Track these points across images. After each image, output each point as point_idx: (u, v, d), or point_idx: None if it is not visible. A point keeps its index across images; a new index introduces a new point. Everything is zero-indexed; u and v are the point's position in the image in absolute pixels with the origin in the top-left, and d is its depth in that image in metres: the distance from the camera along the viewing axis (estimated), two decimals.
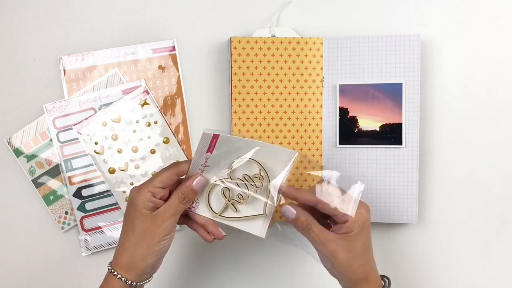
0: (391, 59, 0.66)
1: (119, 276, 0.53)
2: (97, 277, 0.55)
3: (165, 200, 0.54)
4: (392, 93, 0.66)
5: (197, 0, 0.68)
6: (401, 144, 0.66)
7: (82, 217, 0.67)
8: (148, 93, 0.66)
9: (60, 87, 0.67)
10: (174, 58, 0.68)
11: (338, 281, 0.57)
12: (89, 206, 0.67)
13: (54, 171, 0.67)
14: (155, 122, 0.66)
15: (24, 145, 0.67)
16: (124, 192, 0.67)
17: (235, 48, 0.65)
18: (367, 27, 0.69)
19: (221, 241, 0.57)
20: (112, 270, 0.53)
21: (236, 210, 0.56)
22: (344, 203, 0.53)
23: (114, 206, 0.67)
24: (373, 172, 0.67)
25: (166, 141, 0.67)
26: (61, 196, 0.67)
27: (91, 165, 0.67)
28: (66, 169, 0.66)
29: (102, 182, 0.67)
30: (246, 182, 0.56)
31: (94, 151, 0.66)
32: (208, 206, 0.56)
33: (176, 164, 0.56)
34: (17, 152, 0.67)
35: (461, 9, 0.68)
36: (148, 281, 0.55)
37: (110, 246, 0.67)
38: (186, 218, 0.58)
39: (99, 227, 0.67)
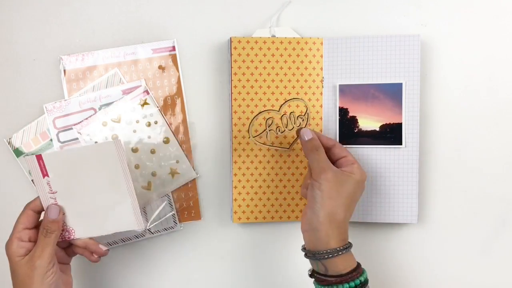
0: (391, 59, 0.66)
1: None
2: (96, 272, 0.54)
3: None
4: (392, 93, 0.66)
5: (197, 0, 0.68)
6: (401, 144, 0.66)
7: None
8: (148, 93, 0.65)
9: (60, 87, 0.67)
10: (174, 58, 0.68)
11: (303, 232, 0.58)
12: None
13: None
14: (155, 122, 0.66)
15: (24, 145, 0.67)
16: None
17: (235, 48, 0.65)
18: (367, 27, 0.69)
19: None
20: None
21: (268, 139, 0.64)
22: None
23: None
24: (373, 172, 0.66)
25: (166, 141, 0.67)
26: None
27: None
28: None
29: None
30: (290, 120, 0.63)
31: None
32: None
33: (29, 202, 0.56)
34: (17, 152, 0.67)
35: (461, 9, 0.69)
36: None
37: (111, 246, 0.67)
38: (68, 247, 0.59)
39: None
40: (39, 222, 0.56)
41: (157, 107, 0.66)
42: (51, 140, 0.67)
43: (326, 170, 0.57)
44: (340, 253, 0.55)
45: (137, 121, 0.66)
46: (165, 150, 0.67)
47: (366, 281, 0.56)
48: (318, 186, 0.56)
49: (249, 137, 0.66)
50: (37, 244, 0.54)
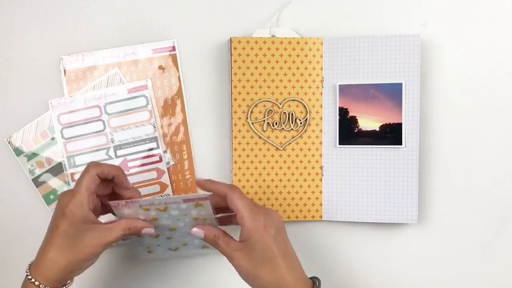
0: (391, 59, 0.66)
1: (36, 283, 0.52)
2: (97, 274, 0.54)
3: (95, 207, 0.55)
4: (392, 93, 0.66)
5: (197, 0, 0.68)
6: (401, 144, 0.66)
7: None
8: (208, 199, 0.56)
9: (60, 87, 0.67)
10: (174, 58, 0.68)
11: None
12: None
13: (55, 170, 0.67)
14: (204, 219, 0.58)
15: (24, 144, 0.67)
16: (148, 247, 0.63)
17: (235, 48, 0.65)
18: (367, 27, 0.69)
19: None
20: (29, 275, 0.52)
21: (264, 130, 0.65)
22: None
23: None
24: (373, 172, 0.67)
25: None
26: None
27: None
28: (69, 166, 0.66)
29: None
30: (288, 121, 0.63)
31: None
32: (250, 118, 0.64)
33: (94, 164, 0.55)
34: (17, 151, 0.67)
35: (461, 9, 0.68)
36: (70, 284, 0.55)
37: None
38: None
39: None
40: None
41: (212, 209, 0.57)
42: (51, 139, 0.67)
43: (232, 257, 0.55)
44: None
45: (184, 214, 0.57)
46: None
47: None
48: (239, 270, 0.55)
49: (246, 119, 0.66)
50: (111, 230, 0.54)
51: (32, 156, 0.67)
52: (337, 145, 0.67)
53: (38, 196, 0.67)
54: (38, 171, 0.67)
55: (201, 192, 0.56)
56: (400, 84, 0.65)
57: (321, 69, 0.67)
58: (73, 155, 0.66)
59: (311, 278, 0.56)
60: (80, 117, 0.66)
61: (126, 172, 0.62)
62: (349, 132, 0.67)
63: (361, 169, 0.67)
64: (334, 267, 0.70)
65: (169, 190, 0.67)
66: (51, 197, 0.67)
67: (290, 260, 0.55)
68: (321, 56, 0.67)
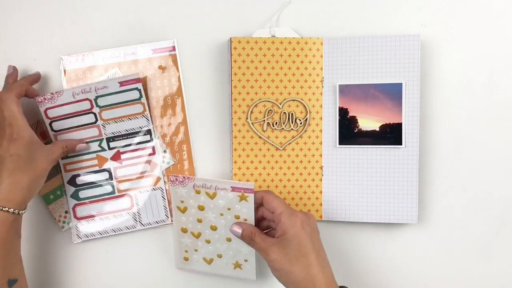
0: (391, 59, 0.66)
1: (5, 209, 0.56)
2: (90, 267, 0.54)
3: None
4: (392, 93, 0.66)
5: (197, 0, 0.68)
6: (401, 144, 0.66)
7: (75, 205, 0.67)
8: (252, 192, 0.60)
9: (60, 87, 0.67)
10: (174, 58, 0.68)
11: None
12: (82, 194, 0.67)
13: (54, 170, 0.67)
14: (245, 220, 0.62)
15: None
16: (186, 251, 0.66)
17: (235, 48, 0.65)
18: (367, 27, 0.69)
19: None
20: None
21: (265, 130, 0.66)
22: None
23: (108, 196, 0.67)
24: (373, 172, 0.67)
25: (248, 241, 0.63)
26: (61, 196, 0.67)
27: (86, 153, 0.66)
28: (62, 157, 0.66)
29: (97, 171, 0.67)
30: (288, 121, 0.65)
31: (177, 207, 0.64)
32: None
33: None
34: None
35: (461, 9, 0.69)
36: (24, 212, 0.58)
37: (101, 236, 0.67)
38: None
39: (92, 216, 0.67)
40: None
41: (254, 208, 0.61)
42: (52, 139, 0.67)
43: (267, 252, 0.57)
44: None
45: (228, 208, 0.61)
46: (239, 246, 0.64)
47: None
48: (272, 267, 0.57)
49: (246, 119, 0.66)
50: (52, 147, 0.62)
51: None
52: (337, 145, 0.67)
53: (38, 196, 0.67)
54: None
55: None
56: (400, 84, 0.66)
57: (321, 69, 0.67)
58: None
59: (340, 286, 0.58)
60: (69, 110, 0.65)
61: (119, 164, 0.67)
62: (349, 132, 0.67)
63: (361, 169, 0.67)
64: (334, 267, 0.70)
65: (161, 184, 0.67)
66: (51, 197, 0.67)
67: (323, 261, 0.57)
68: (321, 56, 0.67)
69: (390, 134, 0.66)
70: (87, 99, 0.65)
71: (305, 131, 0.67)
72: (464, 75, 0.69)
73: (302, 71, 0.67)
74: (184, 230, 0.65)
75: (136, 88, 0.66)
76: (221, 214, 0.62)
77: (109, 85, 0.65)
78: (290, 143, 0.67)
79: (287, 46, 0.66)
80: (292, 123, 0.67)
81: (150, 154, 0.67)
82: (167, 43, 0.68)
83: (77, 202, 0.67)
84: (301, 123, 0.67)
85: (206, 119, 0.69)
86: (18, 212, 0.56)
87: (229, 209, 0.61)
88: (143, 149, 0.67)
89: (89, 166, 0.67)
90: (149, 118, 0.66)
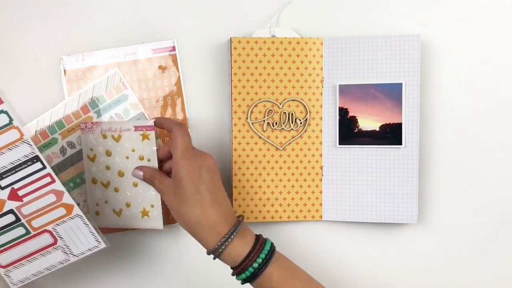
0: (391, 59, 0.66)
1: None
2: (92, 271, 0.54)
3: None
4: (392, 93, 0.66)
5: (197, 0, 0.68)
6: (401, 144, 0.66)
7: None
8: (153, 129, 0.62)
9: (60, 87, 0.67)
10: (174, 58, 0.68)
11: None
12: None
13: (54, 171, 0.67)
14: (148, 160, 0.63)
15: None
16: (97, 204, 0.66)
17: (235, 48, 0.65)
18: (367, 27, 0.69)
19: None
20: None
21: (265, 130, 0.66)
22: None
23: (25, 238, 0.58)
24: (373, 172, 0.67)
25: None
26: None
27: None
28: None
29: (3, 215, 0.57)
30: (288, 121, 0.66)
31: (87, 156, 0.66)
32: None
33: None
34: None
35: (461, 9, 0.69)
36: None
37: (37, 277, 0.60)
38: None
39: (17, 261, 0.59)
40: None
41: (156, 147, 0.62)
42: (51, 139, 0.67)
43: (163, 193, 0.58)
44: (223, 246, 0.56)
45: (133, 150, 0.64)
46: (146, 190, 0.64)
47: (264, 261, 0.56)
48: (167, 202, 0.58)
49: (246, 119, 0.66)
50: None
51: None
52: (337, 145, 0.67)
53: None
54: None
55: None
56: (400, 84, 0.66)
57: (321, 69, 0.67)
58: None
59: (257, 235, 0.59)
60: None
61: (20, 203, 0.58)
62: (349, 132, 0.67)
63: (361, 169, 0.67)
64: (334, 267, 0.70)
65: (76, 211, 0.59)
66: None
67: (215, 198, 0.57)
68: (321, 56, 0.67)
69: (390, 134, 0.66)
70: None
71: (305, 131, 0.67)
72: (464, 75, 0.69)
73: (302, 71, 0.67)
74: (95, 181, 0.65)
75: (1, 111, 0.54)
76: (127, 158, 0.63)
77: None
78: (290, 143, 0.67)
79: (287, 46, 0.66)
80: (292, 123, 0.67)
81: (50, 183, 0.58)
82: (167, 43, 0.68)
83: None
84: (301, 123, 0.67)
85: (206, 119, 0.69)
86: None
87: (133, 150, 0.62)
88: (39, 179, 0.57)
89: None
90: (31, 143, 0.55)
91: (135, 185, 0.64)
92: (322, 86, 0.67)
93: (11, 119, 0.54)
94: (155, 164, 0.62)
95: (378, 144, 0.66)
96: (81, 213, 0.59)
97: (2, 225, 0.57)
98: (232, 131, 0.66)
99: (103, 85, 0.67)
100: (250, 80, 0.66)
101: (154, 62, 0.68)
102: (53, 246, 0.59)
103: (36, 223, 0.58)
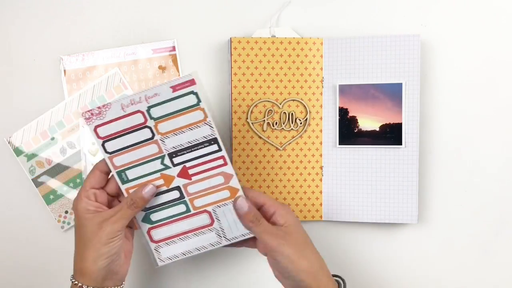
0: (391, 59, 0.66)
1: (77, 283, 0.53)
2: None
3: (107, 203, 0.56)
4: (392, 93, 0.66)
5: (197, 0, 0.68)
6: (401, 144, 0.66)
7: (149, 229, 0.59)
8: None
9: (60, 87, 0.67)
10: (174, 58, 0.68)
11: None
12: (154, 217, 0.58)
13: (54, 171, 0.67)
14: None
15: (24, 144, 0.67)
16: None
17: (235, 48, 0.65)
18: (367, 27, 0.69)
19: None
20: (72, 280, 0.53)
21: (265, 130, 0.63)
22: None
23: (184, 215, 0.59)
24: (373, 172, 0.67)
25: None
26: (61, 196, 0.67)
27: (149, 174, 0.57)
28: (122, 181, 0.57)
29: (166, 191, 0.58)
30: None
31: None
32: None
33: (97, 163, 0.56)
34: (17, 151, 0.67)
35: (461, 9, 0.69)
36: (120, 287, 0.56)
37: (185, 256, 0.60)
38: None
39: (170, 237, 0.59)
40: (105, 183, 0.57)
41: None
42: (51, 139, 0.67)
43: (277, 236, 0.54)
44: None
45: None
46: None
47: None
48: (281, 255, 0.53)
49: (246, 119, 0.66)
50: (117, 210, 0.54)
51: (32, 156, 0.67)
52: (337, 145, 0.67)
53: (38, 196, 0.67)
54: (38, 171, 0.67)
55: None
56: (400, 84, 0.66)
57: (321, 69, 0.67)
58: (124, 170, 0.57)
59: (334, 275, 0.58)
60: (121, 126, 0.55)
61: (188, 181, 0.58)
62: (349, 132, 0.67)
63: (361, 169, 0.67)
64: (334, 267, 0.70)
65: (240, 193, 0.58)
66: (51, 197, 0.67)
67: (313, 247, 0.57)
68: (321, 56, 0.67)
69: (390, 134, 0.66)
70: (138, 111, 0.55)
71: (305, 131, 0.67)
72: (464, 75, 0.69)
73: (302, 71, 0.67)
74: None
75: (192, 92, 0.55)
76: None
77: (160, 92, 0.55)
78: (290, 143, 0.67)
79: (287, 46, 0.66)
80: (292, 123, 0.67)
81: (222, 165, 0.58)
82: (167, 43, 0.68)
83: (150, 226, 0.59)
84: (301, 123, 0.67)
85: None
86: None
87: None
88: (212, 160, 0.58)
89: (156, 187, 0.58)
90: (213, 125, 0.56)
91: None
92: (322, 86, 0.67)
93: (199, 101, 0.55)
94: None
95: (378, 144, 0.66)
96: (243, 195, 0.58)
97: (165, 200, 0.58)
98: (232, 131, 0.66)
99: (103, 85, 0.67)
100: (250, 80, 0.66)
101: (154, 62, 0.68)
102: (209, 227, 0.59)
103: (198, 202, 0.58)
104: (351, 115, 0.67)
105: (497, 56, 0.68)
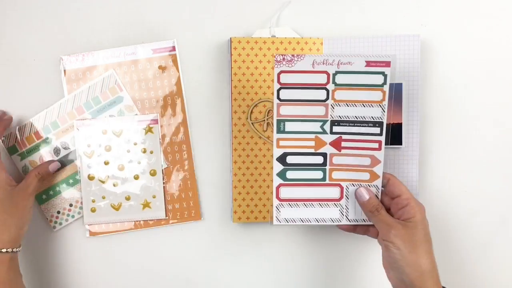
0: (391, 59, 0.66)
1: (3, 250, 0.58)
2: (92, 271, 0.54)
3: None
4: (392, 93, 0.66)
5: (197, 0, 0.68)
6: (401, 144, 0.66)
7: (280, 185, 0.60)
8: (157, 123, 0.65)
9: (60, 87, 0.67)
10: (174, 58, 0.68)
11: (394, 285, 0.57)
12: (290, 174, 0.60)
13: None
14: (151, 152, 0.66)
15: (18, 143, 0.67)
16: (93, 201, 0.67)
17: (235, 48, 0.65)
18: (367, 27, 0.69)
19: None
20: None
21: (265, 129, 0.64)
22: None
23: (317, 182, 0.60)
24: None
25: (153, 173, 0.67)
26: (54, 195, 0.67)
27: (305, 133, 0.59)
28: (278, 130, 0.59)
29: (312, 154, 0.59)
30: None
31: (83, 152, 0.66)
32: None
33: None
34: (11, 150, 0.67)
35: (461, 9, 0.69)
36: (19, 250, 0.61)
37: (302, 223, 0.62)
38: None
39: (295, 200, 0.61)
40: None
41: (160, 139, 0.66)
42: (45, 139, 0.67)
43: (392, 227, 0.56)
44: None
45: (135, 143, 0.66)
46: (148, 181, 0.67)
47: None
48: (392, 245, 0.56)
49: (246, 119, 0.66)
50: (26, 181, 0.63)
51: (25, 155, 0.67)
52: None
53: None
54: None
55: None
56: (400, 84, 0.66)
57: None
58: (284, 120, 0.59)
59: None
60: (304, 80, 0.57)
61: (337, 151, 0.59)
62: None
63: None
64: (334, 267, 0.70)
65: (378, 182, 0.60)
66: (43, 196, 0.67)
67: (431, 247, 0.57)
68: None
69: (390, 134, 0.66)
70: (325, 71, 0.57)
71: None
72: (464, 75, 0.69)
73: None
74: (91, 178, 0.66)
75: (383, 73, 0.57)
76: (128, 151, 0.63)
77: (354, 62, 0.57)
78: None
79: (287, 46, 0.66)
80: None
81: (375, 149, 0.60)
82: (167, 43, 0.68)
83: (282, 182, 0.60)
84: None
85: (206, 119, 0.69)
86: (12, 251, 0.59)
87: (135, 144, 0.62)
88: (369, 141, 0.59)
89: (305, 147, 0.59)
90: (385, 109, 0.58)
91: (136, 177, 0.63)
92: None
93: (384, 83, 0.56)
94: (159, 156, 0.62)
95: None
96: (380, 185, 0.60)
97: (307, 162, 0.59)
98: (232, 131, 0.66)
99: (98, 86, 0.67)
100: (250, 80, 0.66)
101: (154, 62, 0.68)
102: (335, 202, 0.60)
103: (336, 174, 0.59)
104: None
105: (497, 56, 0.68)
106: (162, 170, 0.68)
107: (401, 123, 0.66)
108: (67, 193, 0.67)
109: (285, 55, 0.54)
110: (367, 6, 0.69)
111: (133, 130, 0.66)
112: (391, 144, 0.66)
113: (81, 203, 0.67)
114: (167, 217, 0.67)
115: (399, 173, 0.66)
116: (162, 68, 0.68)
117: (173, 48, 0.68)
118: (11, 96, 0.67)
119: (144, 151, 0.65)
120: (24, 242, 0.68)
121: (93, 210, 0.66)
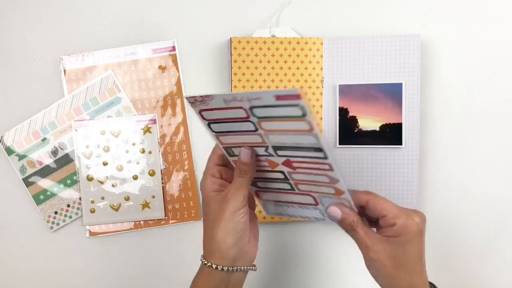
0: (391, 59, 0.66)
1: (207, 263, 0.52)
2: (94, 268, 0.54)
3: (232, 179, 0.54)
4: (392, 93, 0.66)
5: (197, 0, 0.68)
6: (401, 144, 0.66)
7: (257, 191, 0.59)
8: (155, 123, 0.66)
9: (60, 87, 0.67)
10: (174, 58, 0.68)
11: None
12: (262, 184, 0.59)
13: (45, 171, 0.67)
14: (149, 152, 0.67)
15: (16, 143, 0.67)
16: (92, 202, 0.67)
17: (235, 48, 0.65)
18: (367, 27, 0.69)
19: None
20: (202, 260, 0.53)
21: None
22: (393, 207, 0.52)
23: (289, 191, 0.58)
24: (373, 172, 0.66)
25: (152, 173, 0.67)
26: (52, 196, 0.67)
27: (257, 155, 0.55)
28: (229, 155, 0.56)
29: (271, 171, 0.57)
30: None
31: (82, 153, 0.67)
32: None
33: (215, 146, 0.56)
34: (9, 151, 0.67)
35: (461, 9, 0.69)
36: (252, 269, 0.54)
37: (289, 219, 0.63)
38: None
39: (278, 201, 0.60)
40: (228, 161, 0.56)
41: (158, 139, 0.67)
42: (43, 139, 0.67)
43: (371, 249, 0.51)
44: None
45: (133, 144, 0.66)
46: (147, 182, 0.67)
47: None
48: (373, 266, 0.52)
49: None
50: (232, 183, 0.53)
51: (23, 156, 0.67)
52: (337, 145, 0.67)
53: (28, 195, 0.67)
54: (28, 171, 0.67)
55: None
56: (400, 84, 0.66)
57: (321, 69, 0.67)
58: (230, 147, 0.56)
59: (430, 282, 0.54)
60: (224, 115, 0.54)
61: (291, 170, 0.55)
62: (349, 132, 0.67)
63: (361, 169, 0.67)
64: (334, 267, 0.70)
65: (346, 196, 0.55)
66: (41, 197, 0.67)
67: (424, 267, 0.53)
68: (321, 56, 0.67)
69: (390, 134, 0.66)
70: (241, 107, 0.52)
71: None
72: (464, 75, 0.69)
73: (302, 71, 0.67)
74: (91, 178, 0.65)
75: (297, 105, 0.50)
76: (127, 151, 0.61)
77: (263, 97, 0.50)
78: None
79: (287, 46, 0.66)
80: None
81: (327, 169, 0.54)
82: (167, 43, 0.68)
83: (258, 189, 0.59)
84: None
85: None
86: (231, 270, 0.52)
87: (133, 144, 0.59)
88: (317, 163, 0.54)
89: (262, 166, 0.57)
90: (319, 138, 0.51)
91: (135, 178, 0.63)
92: (322, 86, 0.67)
93: (304, 114, 0.48)
94: (158, 157, 0.60)
95: (378, 144, 0.66)
96: (350, 199, 0.53)
97: (271, 177, 0.56)
98: None
99: (96, 87, 0.67)
100: (250, 80, 0.66)
101: (154, 62, 0.68)
102: (314, 206, 0.57)
103: (303, 187, 0.56)
104: (351, 115, 0.67)
105: (497, 56, 0.68)
106: (161, 170, 0.68)
107: (401, 123, 0.66)
108: (65, 194, 0.67)
109: (195, 96, 0.51)
110: (367, 6, 0.69)
111: (131, 130, 0.66)
112: (391, 144, 0.66)
113: (79, 203, 0.67)
114: (166, 217, 0.67)
115: (399, 173, 0.66)
116: (162, 68, 0.68)
117: (173, 48, 0.68)
118: (11, 96, 0.67)
119: (143, 151, 0.65)
120: (24, 242, 0.68)
121: (92, 211, 0.66)
